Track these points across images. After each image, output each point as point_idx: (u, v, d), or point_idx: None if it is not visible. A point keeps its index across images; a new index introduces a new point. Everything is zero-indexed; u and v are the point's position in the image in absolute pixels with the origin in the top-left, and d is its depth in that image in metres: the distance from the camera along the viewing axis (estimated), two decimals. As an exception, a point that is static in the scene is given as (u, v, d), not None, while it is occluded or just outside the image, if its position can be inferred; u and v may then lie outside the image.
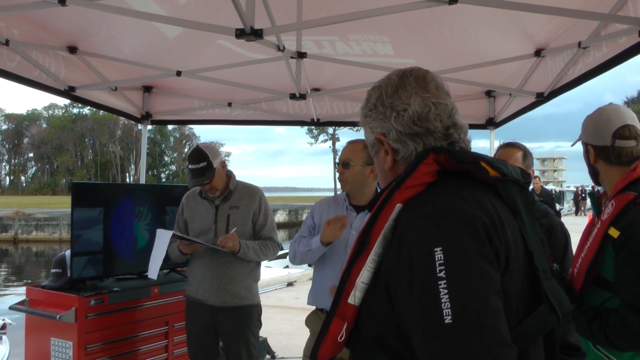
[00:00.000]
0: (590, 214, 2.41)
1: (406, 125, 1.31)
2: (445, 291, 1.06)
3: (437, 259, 1.09)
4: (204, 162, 3.48)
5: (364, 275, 1.23)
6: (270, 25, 3.17)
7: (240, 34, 2.72)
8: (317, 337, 1.29)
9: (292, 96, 4.56)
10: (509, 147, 2.98)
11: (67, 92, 4.39)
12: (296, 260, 3.30)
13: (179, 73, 4.34)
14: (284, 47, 3.52)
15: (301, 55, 3.89)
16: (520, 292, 1.19)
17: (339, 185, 3.27)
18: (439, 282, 1.07)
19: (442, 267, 1.08)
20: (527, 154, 2.94)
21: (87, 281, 4.00)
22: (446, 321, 1.04)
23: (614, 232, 2.05)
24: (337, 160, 3.19)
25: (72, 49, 4.06)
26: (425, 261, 1.10)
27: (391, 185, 1.27)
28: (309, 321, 3.33)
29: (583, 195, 41.69)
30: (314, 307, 3.33)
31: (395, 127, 1.32)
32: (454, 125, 1.32)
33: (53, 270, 4.02)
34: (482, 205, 1.18)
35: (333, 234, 3.03)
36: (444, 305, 1.05)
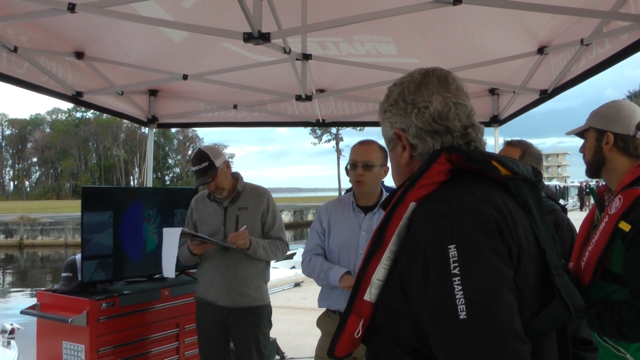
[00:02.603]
0: (593, 208, 2.43)
1: (426, 122, 1.33)
2: (460, 287, 1.08)
3: (451, 256, 1.11)
4: (206, 162, 3.56)
5: (380, 273, 1.26)
6: (276, 28, 3.18)
7: (248, 37, 2.74)
8: (334, 334, 1.32)
9: (298, 97, 4.59)
10: (508, 146, 3.00)
11: (75, 97, 4.42)
12: (310, 277, 3.31)
13: (185, 77, 4.37)
14: (290, 50, 3.54)
15: (306, 57, 3.91)
16: (534, 288, 1.21)
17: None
18: (453, 279, 1.09)
19: (456, 264, 1.10)
20: (525, 152, 2.92)
21: (98, 284, 4.04)
22: (461, 317, 1.07)
23: (624, 226, 2.07)
24: (352, 162, 3.12)
25: (79, 55, 4.10)
26: (439, 258, 1.12)
27: (405, 184, 1.30)
28: (320, 322, 3.34)
29: (587, 190, 41.52)
30: (323, 309, 3.33)
31: (416, 124, 1.34)
32: (472, 125, 1.35)
33: (64, 274, 4.05)
34: (494, 202, 1.20)
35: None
36: (459, 301, 1.08)
